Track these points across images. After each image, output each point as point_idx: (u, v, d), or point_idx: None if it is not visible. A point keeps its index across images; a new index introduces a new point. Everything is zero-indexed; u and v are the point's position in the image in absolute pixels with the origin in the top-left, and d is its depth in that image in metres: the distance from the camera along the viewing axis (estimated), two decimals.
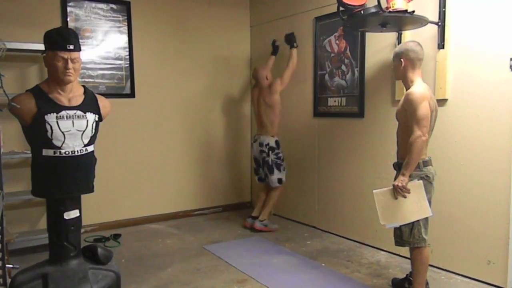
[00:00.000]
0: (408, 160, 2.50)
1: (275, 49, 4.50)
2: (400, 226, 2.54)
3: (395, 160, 2.78)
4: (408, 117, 2.51)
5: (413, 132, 2.45)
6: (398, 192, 2.52)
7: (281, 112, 4.29)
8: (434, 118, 2.58)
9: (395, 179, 2.61)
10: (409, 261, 3.33)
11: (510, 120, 2.76)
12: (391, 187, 2.56)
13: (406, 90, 2.61)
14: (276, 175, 4.22)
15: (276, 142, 4.25)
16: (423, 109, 2.45)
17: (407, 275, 2.91)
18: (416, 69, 2.59)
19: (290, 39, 4.25)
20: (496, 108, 2.82)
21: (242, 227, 4.39)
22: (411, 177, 2.51)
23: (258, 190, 4.61)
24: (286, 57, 4.29)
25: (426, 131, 2.46)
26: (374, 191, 2.61)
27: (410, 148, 2.46)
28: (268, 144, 4.23)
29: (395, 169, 2.71)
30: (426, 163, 2.56)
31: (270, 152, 4.22)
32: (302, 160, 4.43)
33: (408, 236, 2.53)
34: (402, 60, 2.58)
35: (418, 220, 2.51)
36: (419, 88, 2.52)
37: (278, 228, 4.32)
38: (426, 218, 2.56)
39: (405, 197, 2.50)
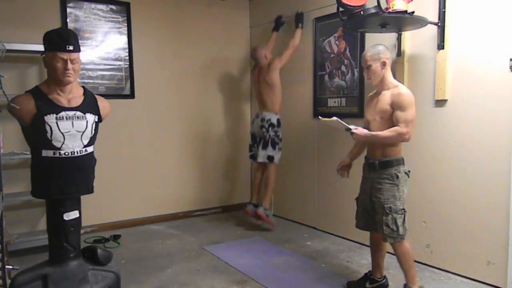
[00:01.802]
0: (382, 135, 2.58)
1: (277, 25, 4.52)
2: (396, 221, 2.59)
3: (340, 165, 2.96)
4: (396, 116, 2.55)
5: (401, 127, 2.52)
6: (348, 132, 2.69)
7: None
8: None
9: (374, 178, 2.67)
10: None
11: (510, 121, 2.76)
12: (336, 119, 2.72)
13: (379, 90, 2.67)
14: (268, 151, 4.19)
15: (278, 120, 4.25)
16: (413, 111, 2.55)
17: (366, 274, 2.95)
18: (389, 70, 2.67)
19: (299, 18, 4.28)
20: (496, 108, 2.82)
21: (244, 213, 4.41)
22: (400, 172, 2.61)
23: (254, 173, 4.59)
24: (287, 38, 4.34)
25: (412, 132, 2.55)
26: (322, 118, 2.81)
27: (391, 133, 2.54)
28: (269, 120, 4.22)
29: (376, 168, 2.67)
30: (404, 160, 2.66)
31: (270, 128, 4.20)
32: (301, 160, 4.43)
33: (402, 230, 2.61)
34: (384, 61, 2.62)
35: (406, 213, 2.62)
36: (408, 90, 2.61)
37: (275, 224, 4.31)
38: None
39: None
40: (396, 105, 2.56)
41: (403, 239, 2.62)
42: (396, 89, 2.61)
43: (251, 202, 4.42)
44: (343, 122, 2.72)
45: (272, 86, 4.24)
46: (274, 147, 4.21)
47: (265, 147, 4.20)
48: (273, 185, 4.31)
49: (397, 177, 2.61)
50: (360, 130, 2.67)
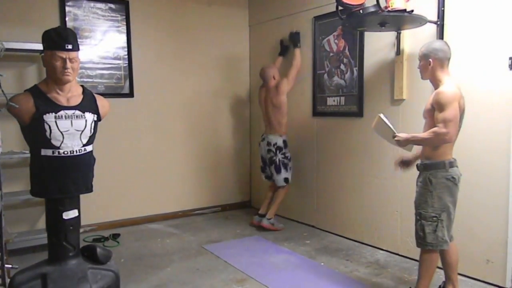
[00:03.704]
0: (421, 136, 2.48)
1: (283, 50, 4.52)
2: (424, 228, 2.47)
3: (400, 159, 2.77)
4: (436, 116, 2.43)
5: (439, 127, 2.38)
6: (393, 139, 2.59)
7: (288, 112, 4.30)
8: (462, 117, 2.52)
9: (417, 181, 2.58)
10: (408, 260, 3.36)
11: (509, 119, 2.76)
12: (391, 126, 2.62)
13: (435, 89, 2.53)
14: (283, 174, 4.23)
15: (284, 141, 4.27)
16: (453, 110, 2.37)
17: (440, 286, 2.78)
18: (444, 69, 2.52)
19: (294, 38, 4.29)
20: (495, 107, 2.82)
21: (249, 225, 4.41)
22: (435, 178, 2.46)
23: (265, 188, 4.61)
24: (288, 58, 4.33)
25: (453, 132, 2.39)
26: (380, 115, 2.66)
27: (430, 134, 2.41)
28: (276, 143, 4.24)
29: (418, 170, 2.60)
30: (452, 164, 2.49)
31: (278, 151, 4.23)
32: (301, 159, 4.43)
33: (432, 238, 2.47)
34: (430, 60, 2.50)
35: (442, 222, 2.47)
36: (450, 87, 2.44)
37: (284, 228, 4.32)
38: (450, 220, 2.50)
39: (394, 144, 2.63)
40: (435, 104, 2.43)
41: (433, 247, 2.47)
42: (439, 87, 2.48)
43: (258, 213, 4.43)
44: (388, 123, 2.60)
45: (279, 109, 4.24)
46: (286, 169, 4.25)
47: (279, 172, 4.23)
48: (282, 200, 4.34)
49: (431, 182, 2.46)
50: (401, 135, 2.57)
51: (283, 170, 4.23)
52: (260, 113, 4.61)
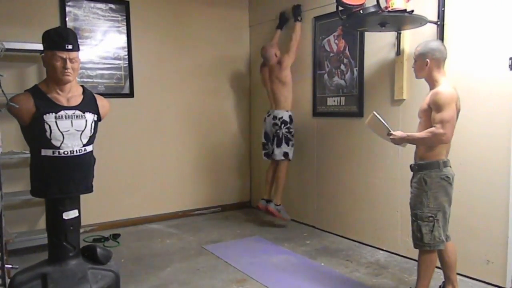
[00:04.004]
0: (417, 136, 2.48)
1: (281, 22, 4.53)
2: (421, 229, 2.48)
3: (412, 162, 2.69)
4: (433, 116, 2.43)
5: (437, 128, 2.38)
6: (389, 137, 2.60)
7: (293, 88, 4.32)
8: (456, 118, 2.50)
9: (411, 181, 2.58)
10: (408, 260, 3.36)
11: (509, 120, 2.76)
12: (385, 124, 2.62)
13: (431, 89, 2.53)
14: (283, 148, 4.22)
15: (290, 116, 4.28)
16: (450, 111, 2.37)
17: (440, 286, 2.78)
18: (441, 69, 2.53)
19: (296, 12, 4.29)
20: (495, 107, 2.82)
21: (255, 208, 4.41)
22: (430, 177, 2.46)
23: (264, 171, 4.59)
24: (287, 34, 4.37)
25: (450, 132, 2.39)
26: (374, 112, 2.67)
27: (427, 134, 2.41)
28: (282, 117, 4.24)
29: (412, 170, 2.60)
30: (446, 164, 2.49)
31: (283, 125, 4.23)
32: (301, 159, 4.43)
33: (429, 238, 2.47)
34: (428, 60, 2.50)
35: (438, 222, 2.47)
36: (447, 88, 2.44)
37: (289, 219, 4.32)
38: (445, 220, 2.50)
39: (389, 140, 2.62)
40: (432, 105, 2.43)
41: (430, 247, 2.47)
42: (436, 88, 2.48)
43: (263, 198, 4.44)
44: (383, 121, 2.61)
45: (285, 83, 4.26)
46: (288, 144, 4.24)
47: (279, 144, 4.23)
48: (284, 180, 4.33)
49: (425, 182, 2.46)
50: (397, 133, 2.58)
51: (284, 144, 4.21)
52: (261, 112, 4.61)
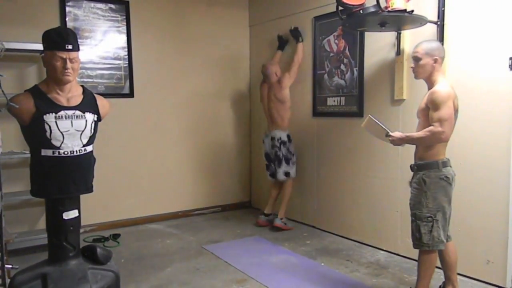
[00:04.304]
0: (416, 136, 2.48)
1: (281, 44, 4.53)
2: (420, 229, 2.47)
3: (412, 162, 2.68)
4: (431, 115, 2.43)
5: (435, 126, 2.38)
6: (387, 138, 2.59)
7: (291, 107, 4.32)
8: (456, 117, 2.51)
9: (411, 181, 2.58)
10: (408, 260, 3.36)
11: (509, 120, 2.76)
12: (382, 126, 2.61)
13: (429, 89, 2.52)
14: (283, 168, 4.24)
15: (288, 136, 4.29)
16: (448, 109, 2.38)
17: (440, 286, 2.78)
18: (441, 68, 2.53)
19: (296, 34, 4.30)
20: (495, 107, 2.82)
21: (255, 225, 4.41)
22: (429, 178, 2.46)
23: (265, 188, 4.61)
24: (289, 53, 4.35)
25: (449, 131, 2.39)
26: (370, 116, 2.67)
27: (425, 133, 2.40)
28: (280, 138, 4.26)
29: (412, 170, 2.60)
30: (445, 164, 2.49)
31: (282, 145, 4.24)
32: (301, 159, 4.43)
33: (428, 239, 2.46)
34: (436, 57, 2.48)
35: (437, 222, 2.46)
36: (444, 87, 2.44)
37: (293, 228, 4.33)
38: (445, 220, 2.49)
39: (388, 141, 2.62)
40: (430, 104, 2.43)
41: (429, 247, 2.47)
42: (434, 88, 2.47)
43: (263, 213, 4.44)
44: (379, 123, 2.61)
45: (283, 103, 4.27)
46: (288, 163, 4.26)
47: (279, 165, 4.25)
48: (289, 197, 4.35)
49: (425, 182, 2.45)
50: (395, 133, 2.57)
51: (284, 164, 4.23)
52: (261, 112, 4.61)
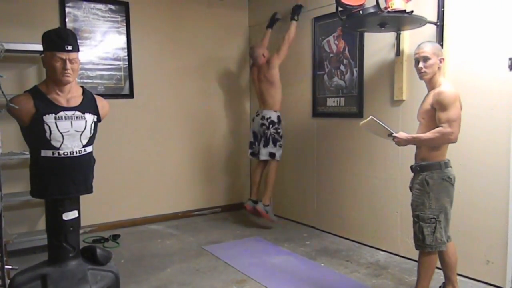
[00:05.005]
0: (424, 137, 2.44)
1: (271, 22, 4.53)
2: (423, 230, 2.46)
3: (412, 162, 2.66)
4: (438, 116, 2.41)
5: (444, 127, 2.36)
6: (390, 138, 2.58)
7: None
8: None
9: (412, 182, 2.58)
10: (408, 260, 3.36)
11: (509, 120, 2.76)
12: (385, 126, 2.58)
13: (430, 90, 2.51)
14: (269, 148, 4.22)
15: (278, 117, 4.28)
16: (456, 110, 2.37)
17: (440, 287, 2.78)
18: (441, 69, 2.53)
19: (296, 10, 4.26)
20: (495, 107, 2.82)
21: (243, 209, 4.42)
22: (432, 178, 2.45)
23: (252, 172, 4.60)
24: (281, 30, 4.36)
25: (457, 131, 2.38)
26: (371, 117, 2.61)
27: (435, 134, 2.38)
28: (270, 117, 4.24)
29: (413, 171, 2.59)
30: (447, 165, 2.48)
31: (271, 125, 4.23)
32: (300, 160, 4.43)
33: (431, 240, 2.46)
34: (441, 58, 2.48)
35: (440, 223, 2.46)
36: (451, 87, 2.43)
37: (275, 221, 4.32)
38: (447, 221, 2.50)
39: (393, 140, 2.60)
40: (437, 105, 2.41)
41: (432, 249, 2.46)
42: (438, 88, 2.44)
43: (250, 199, 4.44)
44: (382, 124, 2.58)
45: (272, 83, 4.26)
46: (275, 144, 4.23)
47: (266, 145, 4.23)
48: (274, 181, 4.33)
49: (428, 183, 2.44)
50: (401, 134, 2.55)
51: (271, 144, 4.22)
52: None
